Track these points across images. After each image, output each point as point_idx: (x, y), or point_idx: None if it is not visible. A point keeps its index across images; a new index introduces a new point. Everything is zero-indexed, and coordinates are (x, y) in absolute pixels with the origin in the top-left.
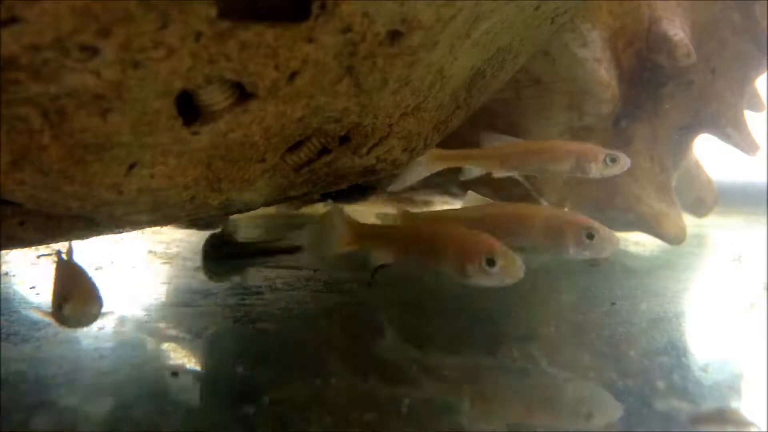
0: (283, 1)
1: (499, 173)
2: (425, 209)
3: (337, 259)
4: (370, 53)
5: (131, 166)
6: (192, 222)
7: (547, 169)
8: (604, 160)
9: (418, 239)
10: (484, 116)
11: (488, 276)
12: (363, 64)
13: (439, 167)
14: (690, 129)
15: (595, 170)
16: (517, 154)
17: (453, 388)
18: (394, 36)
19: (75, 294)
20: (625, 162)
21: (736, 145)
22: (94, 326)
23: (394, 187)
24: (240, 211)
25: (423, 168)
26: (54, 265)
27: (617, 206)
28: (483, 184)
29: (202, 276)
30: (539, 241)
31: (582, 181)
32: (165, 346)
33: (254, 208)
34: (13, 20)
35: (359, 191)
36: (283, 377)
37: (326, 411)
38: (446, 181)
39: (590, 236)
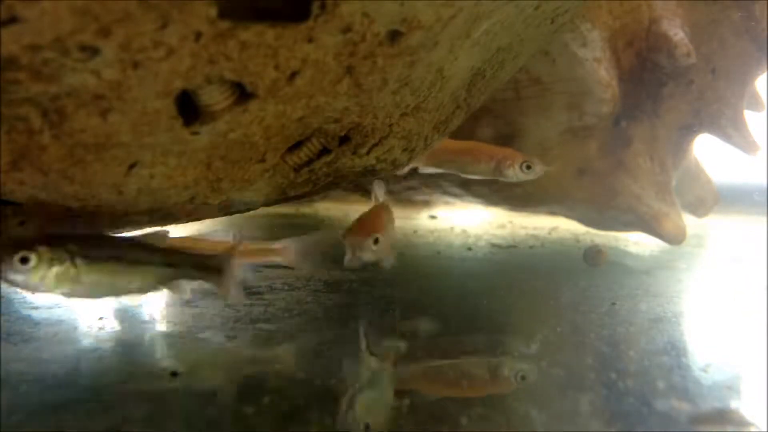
0: (283, 1)
1: (424, 169)
2: (424, 211)
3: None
4: (370, 53)
5: (131, 166)
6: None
7: (466, 169)
8: (521, 166)
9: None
10: (484, 116)
11: None
12: (363, 64)
13: None
14: (690, 129)
15: (512, 175)
16: (441, 153)
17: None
18: (394, 36)
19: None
20: (540, 169)
21: (736, 145)
22: (94, 326)
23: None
24: (240, 211)
25: None
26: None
27: (617, 206)
28: (482, 184)
29: None
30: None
31: (582, 181)
32: (165, 345)
33: (254, 208)
34: (13, 20)
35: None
36: (284, 377)
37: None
38: (447, 183)
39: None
